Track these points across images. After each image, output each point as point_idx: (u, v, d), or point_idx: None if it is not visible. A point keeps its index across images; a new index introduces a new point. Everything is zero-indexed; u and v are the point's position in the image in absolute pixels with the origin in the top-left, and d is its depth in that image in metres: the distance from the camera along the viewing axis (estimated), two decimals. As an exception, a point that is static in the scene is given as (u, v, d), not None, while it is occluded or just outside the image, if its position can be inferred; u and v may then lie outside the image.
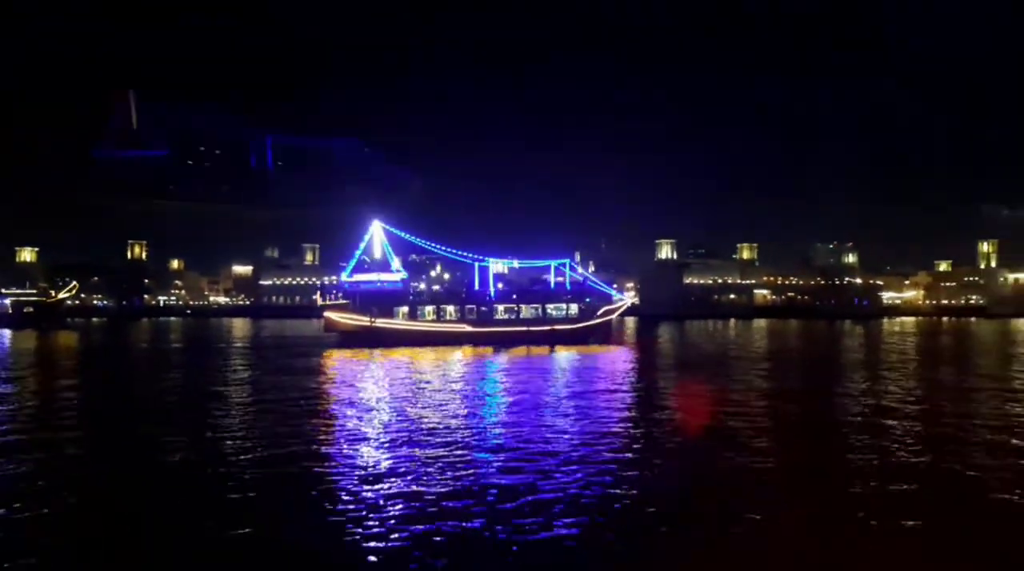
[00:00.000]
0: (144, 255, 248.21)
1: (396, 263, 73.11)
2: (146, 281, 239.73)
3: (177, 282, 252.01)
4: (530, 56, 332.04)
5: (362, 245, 72.84)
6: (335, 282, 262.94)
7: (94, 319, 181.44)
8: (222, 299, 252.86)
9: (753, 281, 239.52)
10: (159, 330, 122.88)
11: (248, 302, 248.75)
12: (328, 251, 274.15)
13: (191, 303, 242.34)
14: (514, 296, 71.63)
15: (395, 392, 35.84)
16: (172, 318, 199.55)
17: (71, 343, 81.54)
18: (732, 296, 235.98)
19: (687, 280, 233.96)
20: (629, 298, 74.91)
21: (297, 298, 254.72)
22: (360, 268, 72.60)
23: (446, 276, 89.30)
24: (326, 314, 70.29)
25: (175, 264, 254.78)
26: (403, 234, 73.11)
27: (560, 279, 75.09)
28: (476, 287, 73.49)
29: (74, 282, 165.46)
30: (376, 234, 72.91)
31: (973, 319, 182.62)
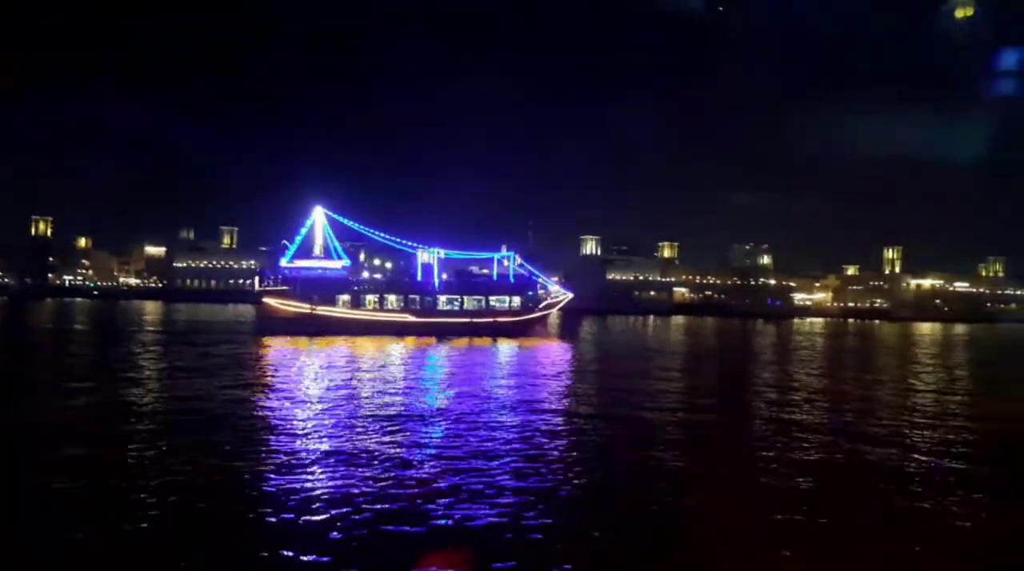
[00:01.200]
0: (49, 232, 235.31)
1: (339, 250, 71.96)
2: (51, 259, 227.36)
3: (84, 261, 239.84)
4: (469, 42, 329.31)
5: (303, 230, 71.30)
6: (259, 267, 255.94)
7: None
8: (133, 280, 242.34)
9: (673, 279, 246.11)
10: (66, 311, 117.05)
11: (161, 285, 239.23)
12: (247, 234, 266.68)
13: (99, 284, 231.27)
14: (454, 287, 71.77)
15: (335, 382, 35.09)
16: (78, 299, 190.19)
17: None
18: (652, 293, 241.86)
19: (610, 276, 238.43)
20: (568, 293, 75.78)
21: (213, 282, 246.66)
22: (301, 253, 71.11)
23: (387, 265, 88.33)
24: (265, 300, 68.53)
25: (82, 242, 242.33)
26: (345, 221, 71.96)
27: (501, 270, 75.55)
28: (419, 277, 73.11)
29: None
30: (318, 220, 71.49)
31: (877, 321, 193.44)
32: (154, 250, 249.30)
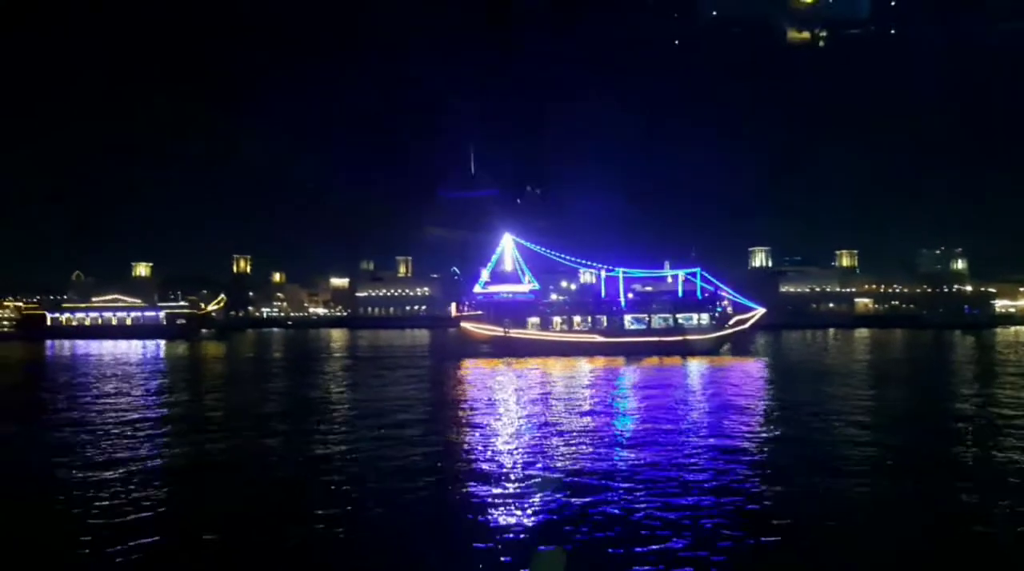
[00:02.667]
0: (248, 268, 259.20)
1: (528, 274, 74.98)
2: (250, 293, 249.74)
3: (279, 294, 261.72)
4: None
5: (494, 257, 74.94)
6: (431, 293, 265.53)
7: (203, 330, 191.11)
8: (321, 310, 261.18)
9: (853, 289, 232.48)
10: (277, 340, 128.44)
11: (345, 313, 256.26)
12: (420, 264, 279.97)
13: (291, 314, 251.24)
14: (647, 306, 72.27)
15: (532, 398, 36.84)
16: (275, 329, 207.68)
17: (218, 352, 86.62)
18: (831, 305, 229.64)
19: (783, 289, 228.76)
20: (761, 309, 74.09)
21: (391, 309, 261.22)
22: (494, 279, 74.79)
23: (572, 286, 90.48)
24: (462, 324, 72.60)
25: (277, 277, 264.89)
26: (533, 246, 74.87)
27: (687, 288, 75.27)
28: (603, 296, 74.48)
29: (222, 295, 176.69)
30: (507, 246, 74.89)
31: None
32: (338, 281, 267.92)
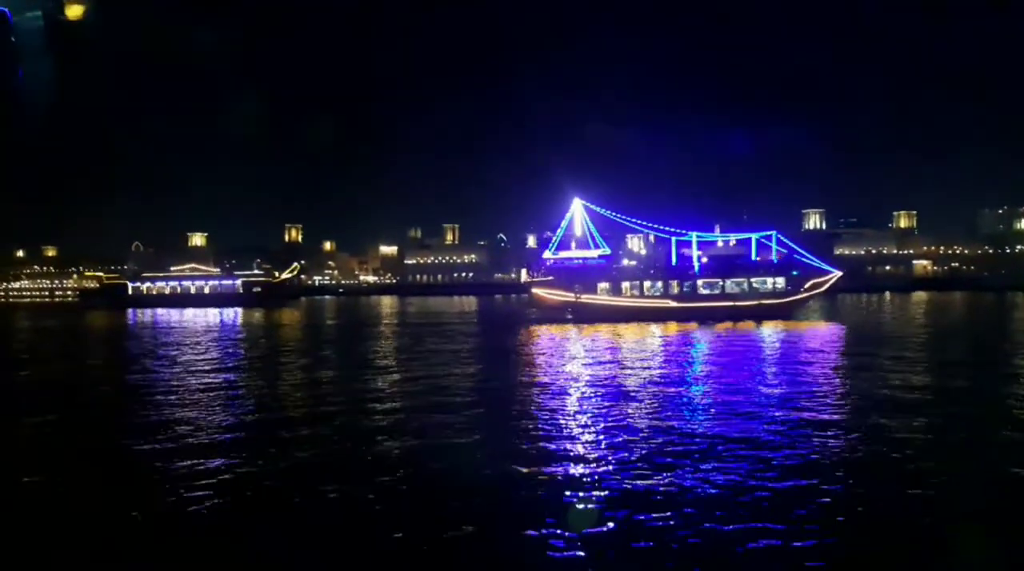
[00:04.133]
0: (299, 237, 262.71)
1: (598, 239, 74.39)
2: (302, 262, 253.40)
3: (330, 263, 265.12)
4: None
5: (564, 222, 74.48)
6: (478, 260, 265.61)
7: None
8: (371, 278, 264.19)
9: (911, 251, 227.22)
10: (336, 307, 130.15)
11: (394, 281, 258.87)
12: (467, 231, 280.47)
13: (342, 282, 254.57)
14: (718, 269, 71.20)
15: (610, 365, 35.65)
16: (327, 297, 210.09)
17: (295, 319, 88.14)
18: (888, 267, 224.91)
19: (838, 251, 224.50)
20: (836, 272, 72.60)
21: (439, 276, 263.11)
22: (562, 245, 74.41)
23: (642, 251, 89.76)
24: (533, 290, 72.50)
25: (327, 245, 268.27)
26: (601, 210, 74.21)
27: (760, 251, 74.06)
28: (674, 261, 73.64)
29: (295, 264, 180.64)
30: (577, 211, 74.33)
31: None
32: (387, 249, 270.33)
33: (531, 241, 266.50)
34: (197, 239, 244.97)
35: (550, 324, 65.33)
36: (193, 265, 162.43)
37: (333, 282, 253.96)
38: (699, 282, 71.92)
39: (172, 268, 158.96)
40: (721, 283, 71.12)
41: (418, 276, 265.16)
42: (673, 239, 74.30)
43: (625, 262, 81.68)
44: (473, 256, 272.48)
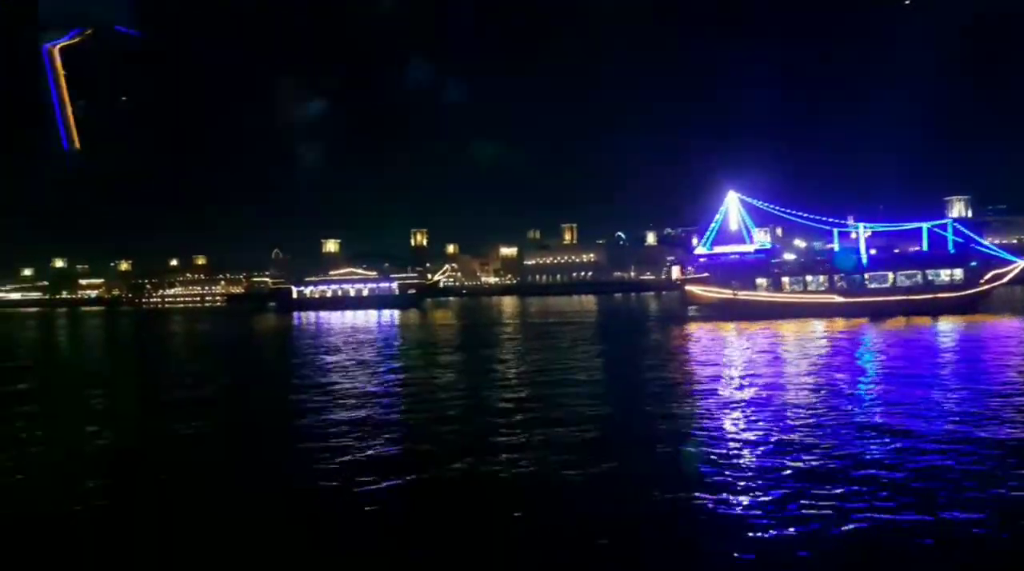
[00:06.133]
0: (424, 241, 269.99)
1: (756, 233, 72.57)
2: (427, 265, 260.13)
3: (453, 265, 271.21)
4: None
5: (718, 217, 73.05)
6: (596, 259, 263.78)
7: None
8: (492, 279, 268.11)
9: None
10: (464, 308, 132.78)
11: (514, 281, 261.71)
12: (585, 230, 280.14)
13: (465, 283, 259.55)
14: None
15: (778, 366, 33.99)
16: (451, 298, 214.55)
17: (447, 318, 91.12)
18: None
19: (987, 241, 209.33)
20: (1020, 261, 67.72)
21: (558, 276, 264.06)
22: (721, 239, 73.01)
23: (802, 244, 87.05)
24: (687, 288, 71.38)
25: (451, 248, 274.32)
26: (759, 203, 72.19)
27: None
28: (839, 253, 70.77)
29: (447, 266, 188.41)
30: (731, 205, 72.75)
31: None
32: (507, 250, 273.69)
33: (651, 238, 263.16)
34: (331, 245, 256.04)
35: (705, 322, 64.09)
36: (350, 269, 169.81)
37: (456, 284, 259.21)
38: (866, 276, 68.82)
39: (331, 272, 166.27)
40: (891, 276, 67.81)
41: (537, 276, 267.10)
42: (835, 230, 71.59)
43: (787, 256, 79.07)
44: (592, 255, 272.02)
